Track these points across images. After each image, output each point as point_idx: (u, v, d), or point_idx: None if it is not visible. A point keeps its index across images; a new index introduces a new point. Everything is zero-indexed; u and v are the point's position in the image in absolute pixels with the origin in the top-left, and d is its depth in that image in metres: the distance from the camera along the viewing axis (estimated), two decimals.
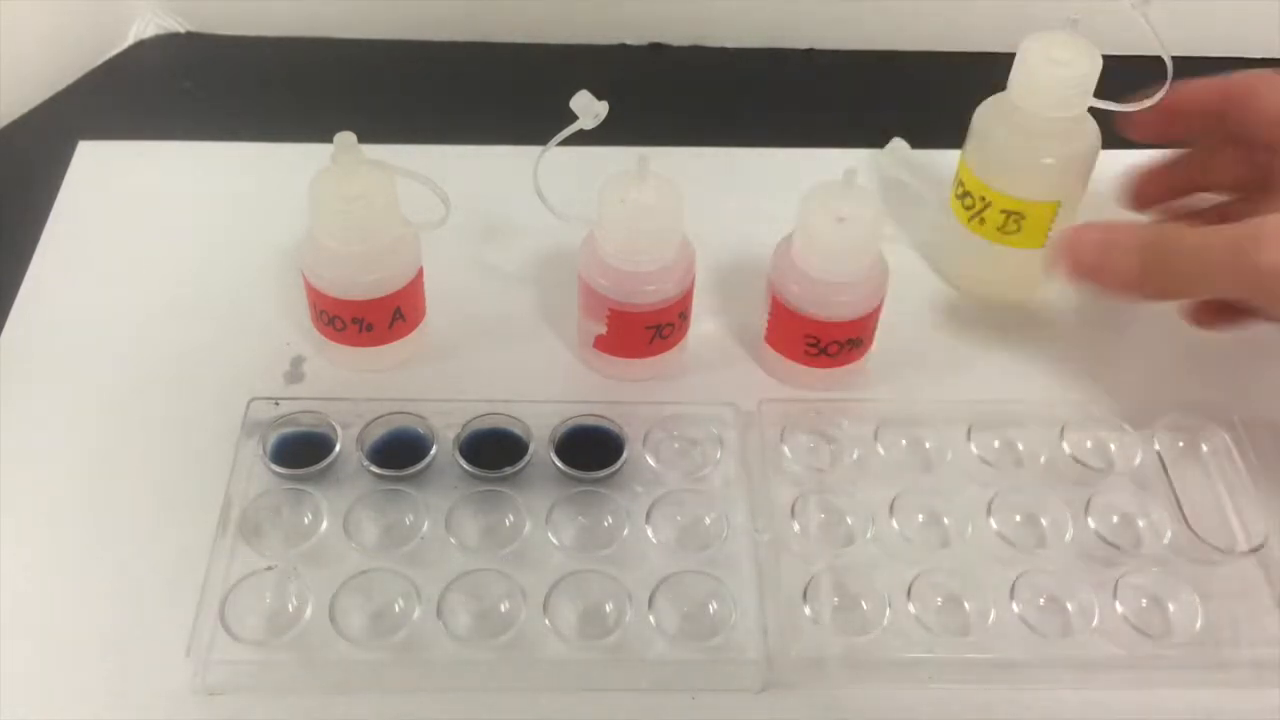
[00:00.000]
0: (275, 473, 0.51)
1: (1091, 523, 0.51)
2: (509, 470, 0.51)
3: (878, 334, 0.56)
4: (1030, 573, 0.49)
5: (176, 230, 0.63)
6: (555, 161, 0.51)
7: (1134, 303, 0.57)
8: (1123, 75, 0.53)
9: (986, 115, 0.57)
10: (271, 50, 0.76)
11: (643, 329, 0.54)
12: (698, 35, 0.77)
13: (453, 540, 0.49)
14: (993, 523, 0.50)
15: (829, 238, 0.52)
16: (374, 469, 0.51)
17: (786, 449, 0.53)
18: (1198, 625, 0.48)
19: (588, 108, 0.49)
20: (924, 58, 0.77)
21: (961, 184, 0.58)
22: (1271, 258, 0.45)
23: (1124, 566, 0.49)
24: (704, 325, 0.58)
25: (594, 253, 0.53)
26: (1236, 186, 0.57)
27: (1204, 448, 0.54)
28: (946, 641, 0.47)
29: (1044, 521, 0.51)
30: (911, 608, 0.48)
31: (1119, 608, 0.48)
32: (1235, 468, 0.53)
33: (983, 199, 0.56)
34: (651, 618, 0.47)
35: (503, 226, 0.63)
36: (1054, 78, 0.53)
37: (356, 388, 0.55)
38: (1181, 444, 0.54)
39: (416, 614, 0.46)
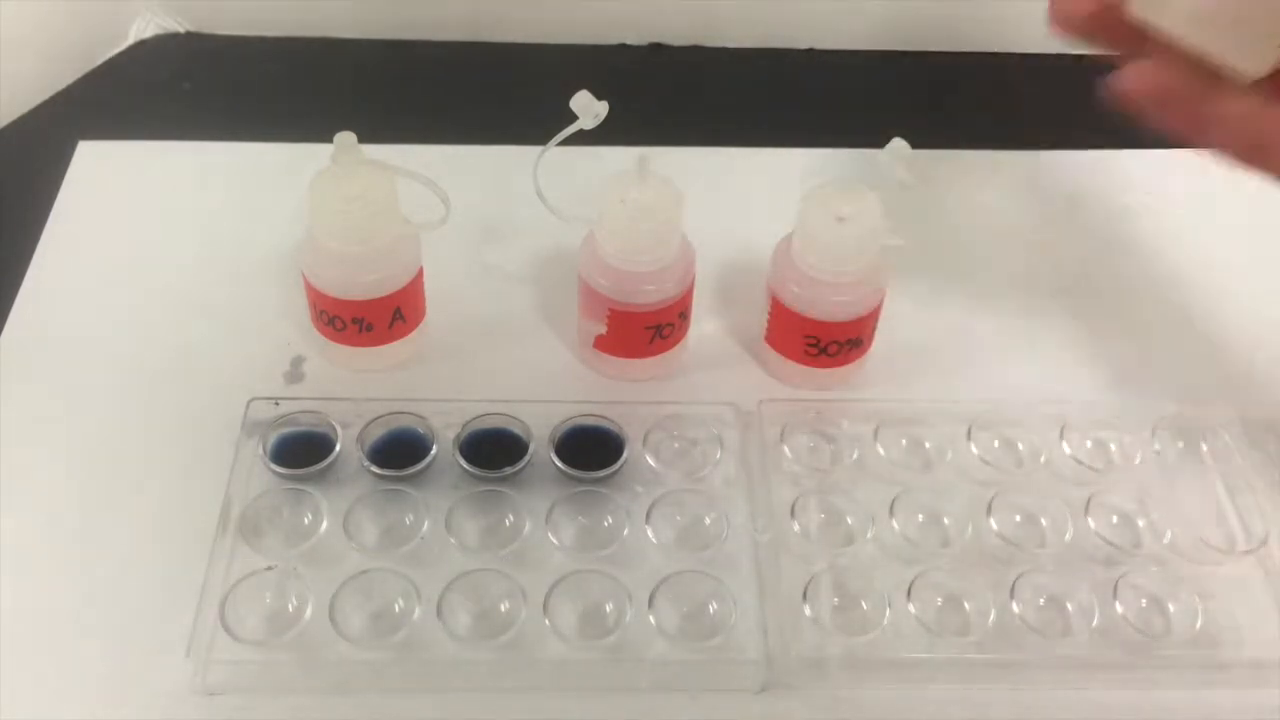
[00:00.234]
0: (275, 473, 0.51)
1: (1091, 523, 0.51)
2: (509, 470, 0.51)
3: (878, 334, 0.56)
4: (1030, 573, 0.49)
5: (176, 230, 0.63)
6: (555, 161, 0.51)
7: None
8: None
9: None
10: (271, 50, 0.76)
11: (643, 329, 0.54)
12: (698, 35, 0.77)
13: (453, 540, 0.49)
14: (993, 523, 0.50)
15: (829, 238, 0.52)
16: (374, 469, 0.51)
17: (786, 449, 0.53)
18: (1198, 625, 0.48)
19: (588, 108, 0.49)
20: (924, 58, 0.77)
21: None
22: None
23: (1124, 566, 0.49)
24: (704, 325, 0.58)
25: (594, 253, 0.53)
26: None
27: (1204, 448, 0.54)
28: (946, 641, 0.47)
29: (1044, 521, 0.51)
30: (911, 608, 0.47)
31: (1119, 608, 0.48)
32: (1235, 468, 0.53)
33: None
34: (651, 618, 0.47)
35: (503, 226, 0.63)
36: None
37: (356, 388, 0.55)
38: (1181, 444, 0.54)
39: (416, 614, 0.46)
